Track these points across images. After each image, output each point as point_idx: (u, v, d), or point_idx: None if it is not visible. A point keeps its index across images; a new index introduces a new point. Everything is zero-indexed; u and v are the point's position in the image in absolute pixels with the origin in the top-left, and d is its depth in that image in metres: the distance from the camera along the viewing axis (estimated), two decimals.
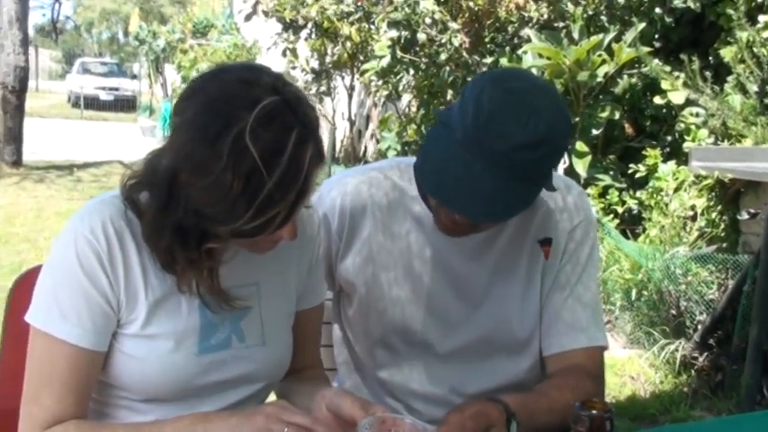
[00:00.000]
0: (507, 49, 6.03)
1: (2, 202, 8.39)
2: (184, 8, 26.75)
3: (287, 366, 1.45)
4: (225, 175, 1.10)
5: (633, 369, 4.13)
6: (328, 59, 9.98)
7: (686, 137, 5.30)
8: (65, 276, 1.24)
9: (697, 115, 5.38)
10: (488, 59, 6.18)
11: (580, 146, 5.46)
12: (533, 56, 5.62)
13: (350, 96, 10.56)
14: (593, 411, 0.80)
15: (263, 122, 1.10)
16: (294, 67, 10.67)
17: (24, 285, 1.44)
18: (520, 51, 5.86)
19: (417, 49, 6.57)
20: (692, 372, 3.89)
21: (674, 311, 4.10)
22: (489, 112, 1.32)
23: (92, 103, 22.32)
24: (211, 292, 1.29)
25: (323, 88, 10.63)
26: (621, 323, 4.55)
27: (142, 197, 1.25)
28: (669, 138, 5.84)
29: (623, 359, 4.24)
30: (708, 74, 5.20)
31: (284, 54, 9.81)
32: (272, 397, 1.50)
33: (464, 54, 6.10)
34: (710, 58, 5.84)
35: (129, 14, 34.13)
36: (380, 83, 7.50)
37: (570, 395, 1.41)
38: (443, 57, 6.17)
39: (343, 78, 10.39)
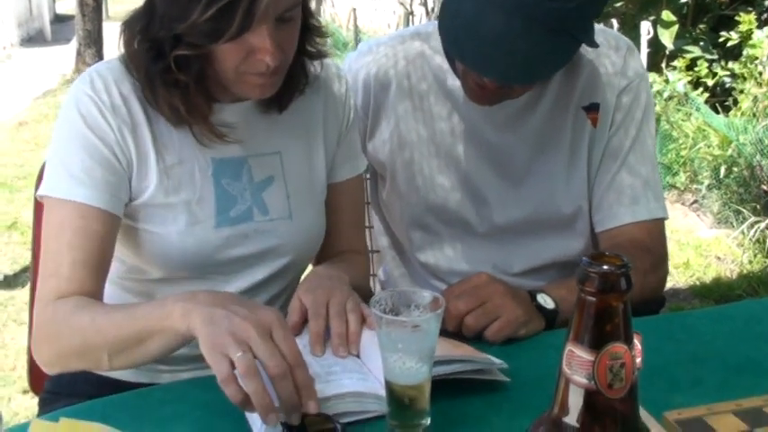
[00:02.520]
0: None
1: None
2: None
3: (318, 242, 1.36)
4: None
5: (720, 250, 3.91)
6: None
7: None
8: (71, 138, 1.18)
9: None
10: None
11: (666, 15, 5.09)
12: None
13: None
14: (605, 267, 0.65)
15: None
16: None
17: None
18: None
19: None
20: None
21: (765, 187, 3.83)
22: None
23: None
24: (195, 119, 1.18)
25: None
26: (708, 203, 4.30)
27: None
28: (767, 2, 5.37)
29: (709, 239, 4.02)
30: None
31: None
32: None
33: None
34: None
35: None
36: None
37: None
38: None
39: None
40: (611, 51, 1.42)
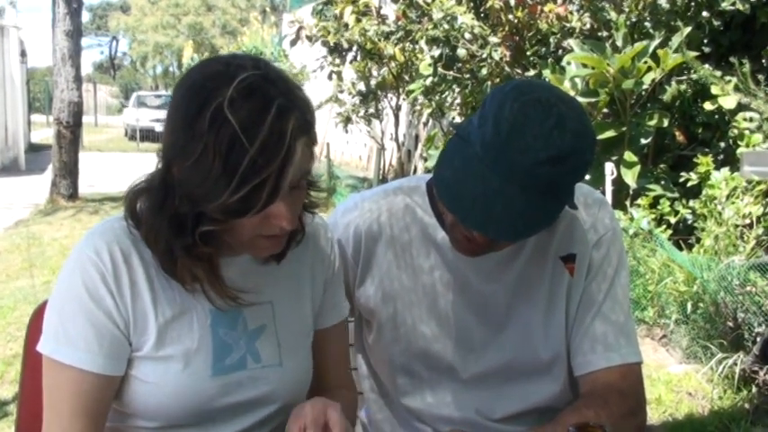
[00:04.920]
0: (550, 60, 5.92)
1: (57, 234, 8.53)
2: (235, 38, 27.22)
3: (306, 387, 1.40)
4: (207, 151, 1.09)
5: (690, 385, 3.95)
6: (374, 82, 10.01)
7: (740, 142, 5.12)
8: (71, 301, 1.22)
9: (750, 120, 5.20)
10: (531, 72, 6.08)
11: (629, 156, 5.32)
12: (576, 66, 5.52)
13: (396, 117, 10.56)
14: None
15: (242, 94, 1.10)
16: (341, 91, 10.74)
17: (43, 315, 1.41)
18: (563, 62, 5.75)
19: (459, 65, 6.51)
20: (753, 387, 3.71)
21: (731, 324, 3.92)
22: (510, 125, 1.26)
23: (147, 136, 22.62)
24: (213, 285, 1.24)
25: (371, 110, 10.65)
26: (677, 337, 4.38)
27: (143, 204, 1.24)
28: (722, 144, 5.67)
29: (679, 375, 4.07)
30: (760, 77, 5.03)
31: (330, 77, 9.87)
32: None
33: (506, 68, 6.00)
34: (763, 60, 5.66)
35: (181, 47, 34.83)
36: (424, 101, 7.45)
37: (595, 417, 1.34)
38: (485, 71, 6.09)
39: (389, 99, 10.40)
40: (582, 207, 1.49)
